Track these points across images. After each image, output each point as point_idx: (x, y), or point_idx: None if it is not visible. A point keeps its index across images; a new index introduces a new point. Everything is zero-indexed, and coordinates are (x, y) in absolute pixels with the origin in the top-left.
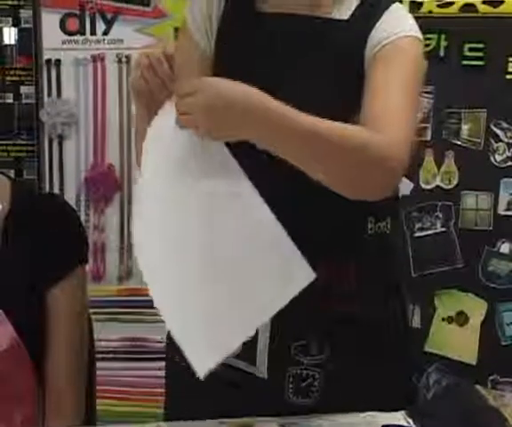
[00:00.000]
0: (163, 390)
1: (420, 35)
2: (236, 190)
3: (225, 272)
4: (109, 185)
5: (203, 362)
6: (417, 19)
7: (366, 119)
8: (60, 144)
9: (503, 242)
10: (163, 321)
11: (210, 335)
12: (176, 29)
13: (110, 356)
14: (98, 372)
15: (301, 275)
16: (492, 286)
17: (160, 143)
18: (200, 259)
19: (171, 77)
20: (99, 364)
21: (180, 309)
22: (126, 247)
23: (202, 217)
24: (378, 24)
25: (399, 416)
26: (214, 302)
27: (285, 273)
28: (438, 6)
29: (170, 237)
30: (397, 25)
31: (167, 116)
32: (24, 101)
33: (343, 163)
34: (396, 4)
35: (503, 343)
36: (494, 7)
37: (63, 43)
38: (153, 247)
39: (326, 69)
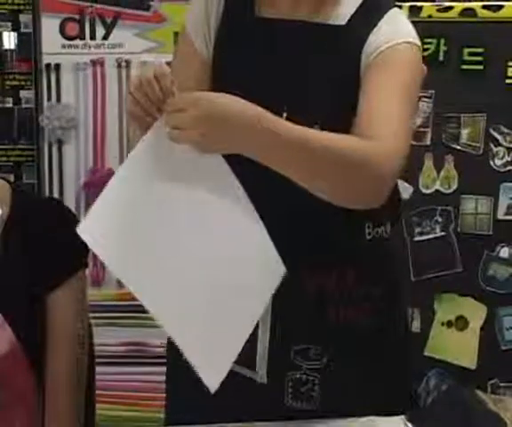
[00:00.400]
0: (163, 395)
1: (418, 41)
2: (229, 198)
3: (218, 278)
4: None
5: (214, 376)
6: (416, 23)
7: (360, 125)
8: (60, 149)
9: (503, 246)
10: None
11: (215, 345)
12: (176, 34)
13: (110, 360)
14: (97, 376)
15: (276, 268)
16: (492, 290)
17: (151, 154)
18: (194, 266)
19: (160, 100)
20: (98, 368)
21: (182, 321)
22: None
23: (193, 224)
24: (375, 29)
25: (399, 421)
26: (213, 308)
27: (265, 267)
28: (438, 11)
29: (161, 246)
30: (395, 31)
31: (159, 130)
32: (24, 106)
33: (336, 172)
34: (395, 10)
35: (503, 348)
36: (494, 12)
37: (63, 47)
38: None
39: (325, 76)
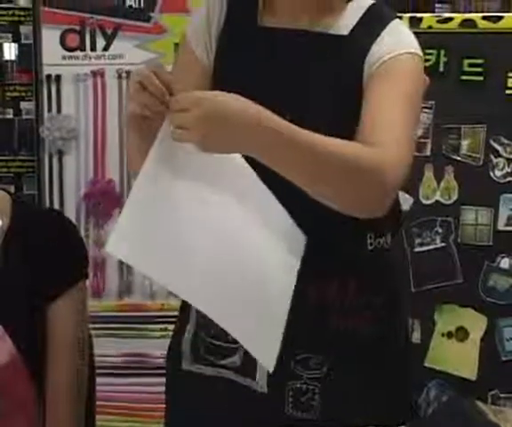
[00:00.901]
0: (163, 406)
1: (420, 51)
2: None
3: (249, 261)
4: (109, 200)
5: (268, 355)
6: (417, 34)
7: (363, 132)
8: (60, 160)
9: (503, 257)
10: (163, 337)
11: (261, 325)
12: (176, 45)
13: (110, 371)
14: (97, 387)
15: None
16: (492, 301)
17: (169, 152)
18: (225, 255)
19: (162, 93)
20: (98, 379)
21: (227, 310)
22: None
23: (219, 216)
24: (378, 40)
25: None
26: (250, 289)
27: (288, 239)
28: (438, 22)
29: (193, 242)
30: (397, 41)
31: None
32: (24, 117)
33: (339, 177)
34: (397, 21)
35: (503, 359)
36: (494, 22)
37: (63, 58)
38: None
39: (327, 85)
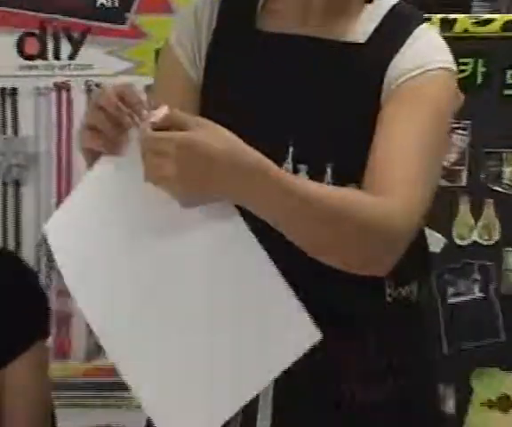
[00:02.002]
0: None
1: (453, 64)
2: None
3: (222, 329)
4: None
5: None
6: (449, 40)
7: (370, 172)
8: (17, 191)
9: None
10: (139, 406)
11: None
12: (157, 52)
13: None
14: None
15: (305, 334)
16: None
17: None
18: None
19: (121, 114)
20: None
21: (159, 387)
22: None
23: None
24: (402, 50)
25: None
26: (210, 363)
27: (287, 331)
28: (475, 24)
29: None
30: (424, 54)
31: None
32: None
33: (335, 234)
34: (424, 26)
35: None
36: None
37: (20, 69)
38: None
39: (339, 102)
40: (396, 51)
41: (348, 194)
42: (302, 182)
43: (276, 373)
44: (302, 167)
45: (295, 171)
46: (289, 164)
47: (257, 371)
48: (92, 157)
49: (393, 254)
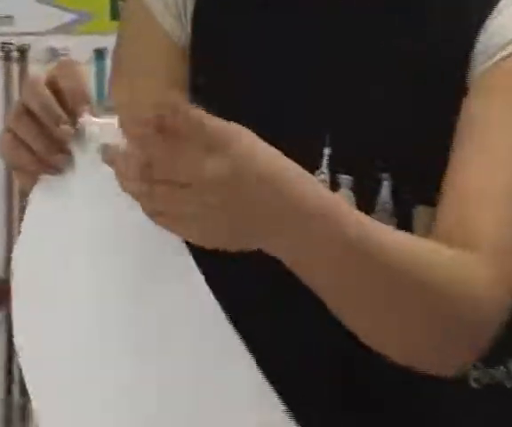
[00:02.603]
0: None
1: None
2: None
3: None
4: None
5: None
6: None
7: (449, 204)
8: None
9: None
10: None
11: None
12: (114, 1)
13: None
14: None
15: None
16: None
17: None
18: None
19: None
20: None
21: None
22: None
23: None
24: (495, 14)
25: None
26: None
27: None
28: None
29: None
30: None
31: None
32: None
33: (416, 309)
34: None
35: None
36: None
37: None
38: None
39: (399, 76)
40: (488, 14)
41: (416, 245)
42: (374, 228)
43: None
44: (344, 179)
45: (333, 184)
46: (324, 173)
47: None
48: (26, 174)
49: (482, 338)
